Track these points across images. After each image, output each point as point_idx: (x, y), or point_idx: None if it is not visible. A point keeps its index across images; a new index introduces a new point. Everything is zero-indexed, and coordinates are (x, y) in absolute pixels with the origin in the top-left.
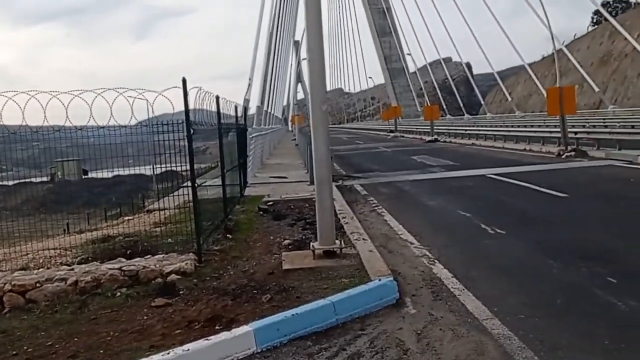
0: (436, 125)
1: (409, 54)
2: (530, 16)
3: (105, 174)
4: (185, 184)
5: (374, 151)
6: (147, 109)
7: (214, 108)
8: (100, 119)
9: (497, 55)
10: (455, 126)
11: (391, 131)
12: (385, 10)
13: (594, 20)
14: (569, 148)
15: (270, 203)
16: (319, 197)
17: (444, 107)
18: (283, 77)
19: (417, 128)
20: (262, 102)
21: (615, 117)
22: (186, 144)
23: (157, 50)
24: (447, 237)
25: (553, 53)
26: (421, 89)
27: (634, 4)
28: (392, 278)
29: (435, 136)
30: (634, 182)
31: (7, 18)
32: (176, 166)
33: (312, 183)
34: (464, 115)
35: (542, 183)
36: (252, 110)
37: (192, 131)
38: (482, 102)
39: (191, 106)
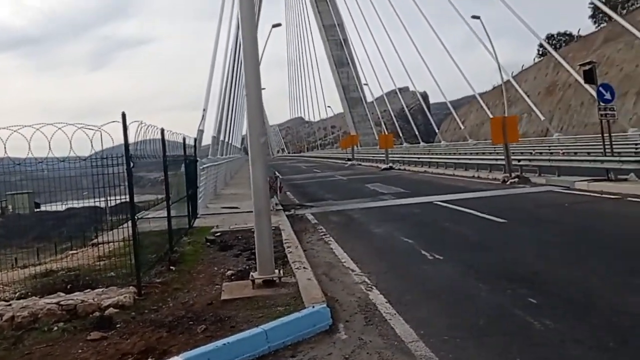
0: (393, 153)
1: (366, 84)
2: (482, 47)
3: (59, 207)
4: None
5: (330, 179)
6: (102, 142)
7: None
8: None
9: (453, 84)
10: (410, 154)
11: (349, 159)
12: (342, 41)
13: (540, 52)
14: (513, 175)
15: (218, 234)
16: (258, 227)
17: (401, 135)
18: (242, 106)
19: (373, 156)
20: (218, 132)
21: (560, 144)
22: (126, 175)
23: (116, 79)
24: (388, 264)
25: (502, 83)
26: (380, 117)
27: (577, 36)
28: (325, 305)
29: (390, 164)
30: (568, 207)
31: None
32: (121, 197)
33: None
34: (419, 143)
35: (484, 209)
36: (209, 140)
37: (132, 164)
38: (437, 131)
39: (134, 139)
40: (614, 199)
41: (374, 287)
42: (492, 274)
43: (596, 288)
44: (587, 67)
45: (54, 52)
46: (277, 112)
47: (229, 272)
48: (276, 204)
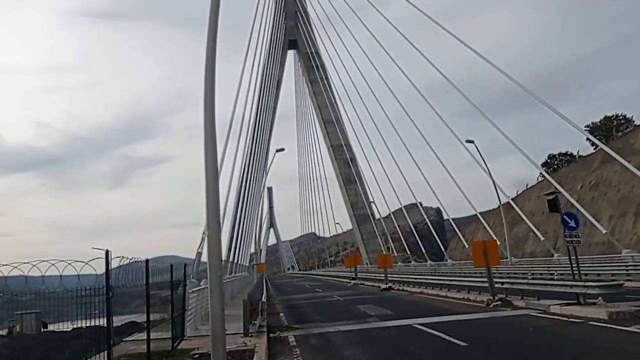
0: (398, 273)
1: (373, 202)
2: (489, 164)
3: (66, 327)
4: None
5: (328, 300)
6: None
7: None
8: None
9: (465, 201)
10: (415, 273)
11: (352, 278)
12: (350, 160)
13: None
14: (497, 297)
15: (197, 356)
16: (213, 347)
17: (408, 253)
18: (251, 226)
19: (375, 276)
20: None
21: (559, 265)
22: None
23: (133, 197)
24: None
25: (500, 205)
26: (387, 235)
27: (577, 157)
28: None
29: (390, 284)
30: (531, 331)
31: None
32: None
33: (245, 335)
34: (427, 261)
35: (454, 332)
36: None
37: (111, 294)
38: (443, 250)
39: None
40: (577, 322)
41: None
42: None
43: None
44: (550, 197)
45: (74, 172)
46: (289, 227)
47: None
48: (260, 326)
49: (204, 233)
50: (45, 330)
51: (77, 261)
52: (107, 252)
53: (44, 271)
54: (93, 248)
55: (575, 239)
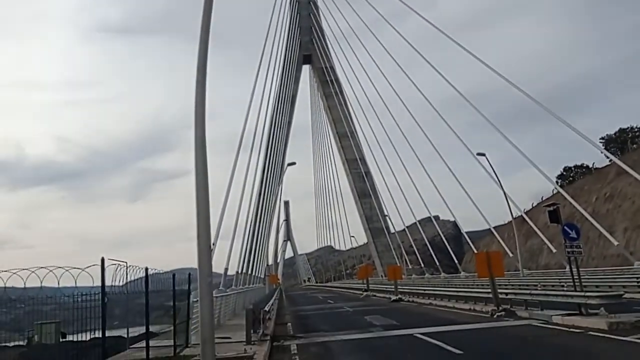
0: (407, 285)
1: (387, 215)
2: (508, 176)
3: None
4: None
5: (337, 311)
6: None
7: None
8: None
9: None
10: (425, 285)
11: (364, 290)
12: (364, 174)
13: (559, 184)
14: (501, 308)
15: None
16: (203, 350)
17: (422, 265)
18: (267, 237)
19: (387, 288)
20: (241, 265)
21: (571, 277)
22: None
23: (153, 210)
24: None
25: (513, 218)
26: (411, 246)
27: (593, 168)
28: None
29: (400, 296)
30: (530, 341)
31: (5, 181)
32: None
33: (248, 342)
34: (440, 274)
35: (453, 341)
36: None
37: (106, 299)
38: (457, 262)
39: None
40: (577, 332)
41: None
42: None
43: None
44: (551, 208)
45: (95, 185)
46: (306, 241)
47: None
48: (264, 335)
49: (213, 244)
50: (65, 340)
51: (74, 268)
52: (102, 259)
53: (41, 278)
54: (109, 259)
55: (576, 249)
